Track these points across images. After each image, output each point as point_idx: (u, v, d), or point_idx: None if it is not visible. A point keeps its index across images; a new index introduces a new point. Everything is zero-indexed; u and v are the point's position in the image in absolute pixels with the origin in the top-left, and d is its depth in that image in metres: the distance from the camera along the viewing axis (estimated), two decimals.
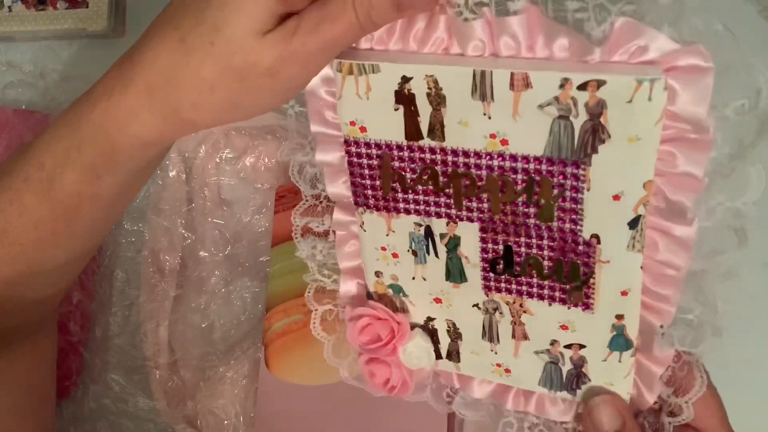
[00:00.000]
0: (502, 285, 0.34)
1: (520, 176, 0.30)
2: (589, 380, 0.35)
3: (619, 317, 0.32)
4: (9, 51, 0.57)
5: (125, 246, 0.53)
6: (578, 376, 0.36)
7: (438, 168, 0.31)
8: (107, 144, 0.33)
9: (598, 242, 0.30)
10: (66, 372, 0.51)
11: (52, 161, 0.35)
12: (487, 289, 0.34)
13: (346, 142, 0.33)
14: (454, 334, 0.37)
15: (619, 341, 0.33)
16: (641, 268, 0.30)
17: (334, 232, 0.37)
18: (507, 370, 0.37)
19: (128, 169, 0.35)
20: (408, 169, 0.32)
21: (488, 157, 0.30)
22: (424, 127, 0.31)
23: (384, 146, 0.32)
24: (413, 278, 0.36)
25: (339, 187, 0.35)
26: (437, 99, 0.30)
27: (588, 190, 0.29)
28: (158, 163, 0.38)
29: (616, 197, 0.29)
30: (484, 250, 0.33)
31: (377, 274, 0.37)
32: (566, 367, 0.35)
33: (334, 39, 0.29)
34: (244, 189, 0.52)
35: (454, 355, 0.38)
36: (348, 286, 0.38)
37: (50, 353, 0.45)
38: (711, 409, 0.35)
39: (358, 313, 0.38)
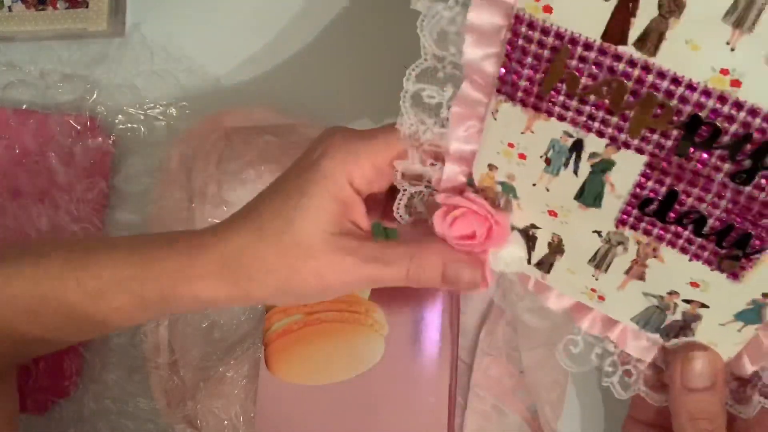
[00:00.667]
0: (642, 224, 0.29)
1: (734, 128, 0.25)
2: (693, 335, 0.32)
3: (766, 296, 0.29)
4: (9, 51, 0.57)
5: None
6: (683, 329, 0.33)
7: (629, 84, 0.26)
8: (169, 291, 0.36)
9: None
10: (66, 372, 0.50)
11: (110, 279, 0.37)
12: (622, 223, 0.30)
13: (518, 18, 0.26)
14: (557, 248, 0.33)
15: (751, 315, 0.30)
16: None
17: (449, 108, 0.31)
18: (601, 297, 0.34)
19: (168, 313, 0.39)
20: (587, 74, 0.26)
21: (705, 94, 0.25)
22: (635, 32, 0.25)
23: (568, 39, 0.26)
24: (534, 184, 0.31)
25: (481, 59, 0.29)
26: (673, 5, 0.24)
27: None
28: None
29: None
30: (640, 186, 0.28)
31: (491, 167, 0.32)
32: (674, 317, 0.32)
33: (378, 278, 0.35)
34: (245, 189, 0.52)
35: (545, 265, 0.34)
36: (451, 172, 0.33)
37: (6, 408, 0.44)
38: None
39: (454, 201, 0.33)
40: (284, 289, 0.35)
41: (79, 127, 0.53)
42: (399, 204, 0.36)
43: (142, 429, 0.51)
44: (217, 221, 0.53)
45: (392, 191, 0.36)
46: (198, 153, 0.52)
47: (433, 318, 0.47)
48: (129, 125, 0.54)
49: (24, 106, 0.55)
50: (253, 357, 0.49)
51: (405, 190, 0.35)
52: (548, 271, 0.35)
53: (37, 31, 0.56)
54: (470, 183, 0.34)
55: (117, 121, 0.54)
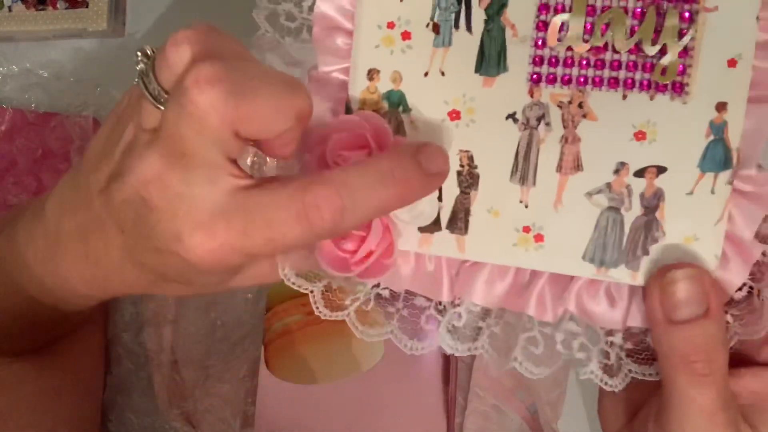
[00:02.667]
0: (559, 70, 0.26)
1: None
2: (664, 235, 0.26)
3: (721, 107, 0.25)
4: (9, 51, 0.57)
5: None
6: (648, 229, 0.27)
7: None
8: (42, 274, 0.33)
9: None
10: None
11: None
12: (535, 81, 0.26)
13: None
14: (469, 176, 0.27)
15: (716, 152, 0.25)
16: (757, 18, 0.23)
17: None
18: (538, 237, 0.27)
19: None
20: None
21: None
22: None
23: None
24: (426, 73, 0.27)
25: None
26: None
27: None
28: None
29: None
30: (543, 8, 0.25)
31: (371, 74, 0.27)
32: (632, 213, 0.27)
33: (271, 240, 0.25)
34: None
35: (459, 220, 0.28)
36: (317, 111, 0.27)
37: (94, 344, 0.46)
38: None
39: (328, 131, 0.27)
40: (154, 282, 0.30)
41: (87, 129, 0.54)
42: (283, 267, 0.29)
43: (143, 424, 0.51)
44: None
45: None
46: None
47: (433, 317, 0.47)
48: None
49: (33, 106, 0.55)
50: (253, 356, 0.49)
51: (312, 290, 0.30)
52: (466, 230, 0.28)
53: (37, 31, 0.55)
54: (348, 113, 0.28)
55: None
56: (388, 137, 0.26)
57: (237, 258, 0.26)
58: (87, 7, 0.55)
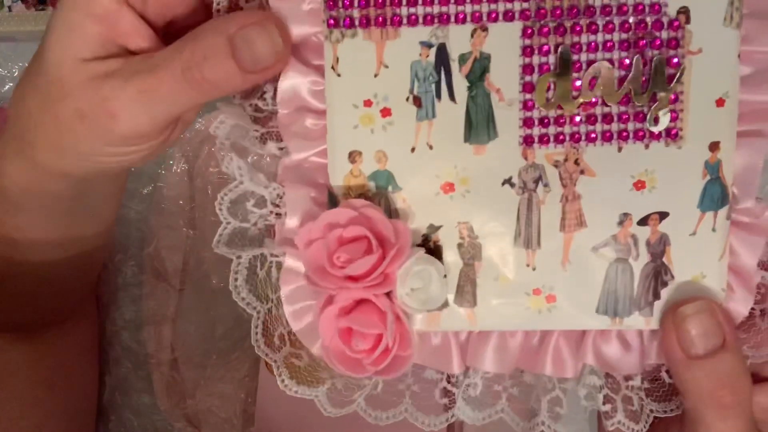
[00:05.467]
0: (551, 130, 0.25)
1: None
2: (673, 277, 0.27)
3: (714, 146, 0.25)
4: (9, 51, 0.57)
5: (129, 244, 0.53)
6: (657, 274, 0.27)
7: None
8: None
9: (687, 21, 0.23)
10: None
11: None
12: (528, 143, 0.25)
13: None
14: (471, 247, 0.27)
15: (714, 191, 0.25)
16: (738, 56, 0.24)
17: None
18: (550, 297, 0.27)
19: (33, 212, 0.34)
20: None
21: None
22: None
23: None
24: (413, 149, 0.25)
25: None
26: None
27: None
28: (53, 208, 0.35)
29: None
30: (527, 69, 0.24)
31: (352, 157, 0.26)
32: (640, 262, 0.27)
33: (150, 92, 0.26)
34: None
35: (467, 293, 0.27)
36: (296, 198, 0.26)
37: (85, 338, 0.46)
38: None
39: (320, 225, 0.25)
40: (61, 146, 0.28)
41: None
42: (236, 286, 0.27)
43: (144, 424, 0.51)
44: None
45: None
46: (198, 153, 0.52)
47: None
48: None
49: None
50: (253, 356, 0.49)
51: (238, 257, 0.27)
52: (474, 302, 0.27)
53: (37, 31, 0.55)
54: (332, 201, 0.27)
55: None
56: (389, 229, 0.25)
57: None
58: None
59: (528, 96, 0.25)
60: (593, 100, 0.25)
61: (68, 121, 0.27)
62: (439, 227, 0.27)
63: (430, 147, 0.25)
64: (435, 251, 0.27)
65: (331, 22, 0.25)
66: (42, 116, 0.28)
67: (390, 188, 0.26)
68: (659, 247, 0.27)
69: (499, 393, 0.29)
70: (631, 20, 0.24)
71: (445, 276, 0.26)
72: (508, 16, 0.24)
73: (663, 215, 0.26)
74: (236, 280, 0.28)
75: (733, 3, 0.23)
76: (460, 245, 0.27)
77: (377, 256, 0.25)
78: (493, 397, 0.29)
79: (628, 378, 0.28)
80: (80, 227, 0.37)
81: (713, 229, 0.26)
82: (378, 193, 0.26)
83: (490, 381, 0.29)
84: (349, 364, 0.27)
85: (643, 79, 0.24)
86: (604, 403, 0.29)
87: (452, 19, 0.24)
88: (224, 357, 0.50)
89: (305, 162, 0.26)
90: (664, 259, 0.27)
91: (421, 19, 0.24)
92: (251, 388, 0.49)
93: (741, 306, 0.27)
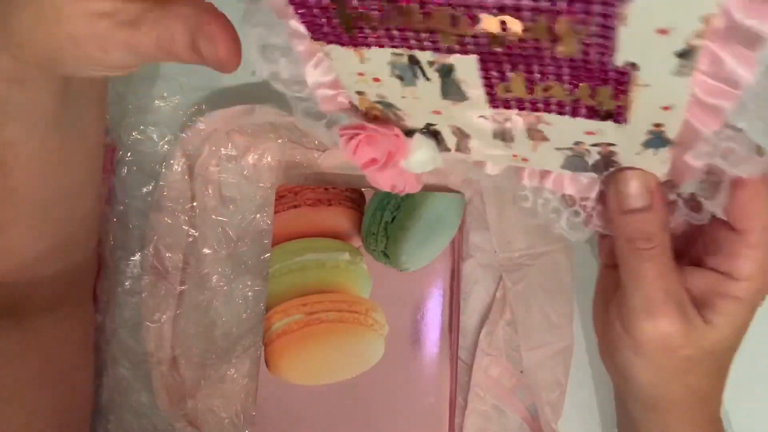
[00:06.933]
0: (512, 102, 0.29)
1: (527, 14, 0.24)
2: (620, 164, 0.32)
3: (658, 125, 0.28)
4: None
5: (129, 243, 0.53)
6: (607, 163, 0.32)
7: (414, 6, 0.25)
8: None
9: (635, 69, 0.25)
10: None
11: None
12: (495, 106, 0.30)
13: None
14: (461, 134, 0.33)
15: (656, 142, 0.29)
16: (689, 87, 0.26)
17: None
18: (525, 159, 0.34)
19: (22, 114, 0.36)
20: (371, 8, 0.26)
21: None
22: None
23: None
24: (403, 97, 0.31)
25: (285, 6, 0.29)
26: None
27: (625, 25, 0.23)
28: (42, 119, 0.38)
29: (663, 31, 0.23)
30: (486, 78, 0.28)
31: (359, 93, 0.32)
32: (593, 158, 0.32)
33: (133, 45, 0.30)
34: (247, 187, 0.52)
35: (463, 148, 0.34)
36: (326, 96, 0.33)
37: (78, 334, 0.46)
38: (759, 203, 0.32)
39: (348, 132, 0.34)
40: (47, 56, 0.32)
41: None
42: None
43: (142, 424, 0.51)
44: (220, 219, 0.54)
45: None
46: (199, 152, 0.52)
47: (433, 318, 0.47)
48: (130, 125, 0.54)
49: None
50: (253, 356, 0.49)
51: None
52: (469, 152, 0.35)
53: None
54: (355, 106, 0.33)
55: (118, 121, 0.54)
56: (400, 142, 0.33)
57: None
58: None
59: (489, 90, 0.29)
60: (545, 99, 0.28)
61: (61, 41, 0.31)
62: (435, 124, 0.33)
63: (416, 98, 0.31)
64: (435, 134, 0.34)
65: (312, 37, 0.29)
66: (36, 28, 0.31)
67: (392, 108, 0.32)
68: (609, 156, 0.32)
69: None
70: (579, 67, 0.26)
71: (440, 146, 0.34)
72: (464, 52, 0.26)
73: (611, 145, 0.31)
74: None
75: (684, 65, 0.24)
76: (453, 133, 0.33)
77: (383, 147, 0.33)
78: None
79: (584, 199, 0.35)
80: (68, 151, 0.40)
81: (654, 154, 0.30)
82: (385, 109, 0.33)
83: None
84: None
85: (591, 93, 0.27)
86: (552, 212, 0.36)
87: (414, 48, 0.27)
88: (224, 357, 0.50)
89: (324, 81, 0.32)
90: (614, 158, 0.32)
91: (387, 46, 0.27)
92: (251, 388, 0.49)
93: (679, 179, 0.32)
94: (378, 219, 0.48)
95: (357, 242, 0.48)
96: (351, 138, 0.33)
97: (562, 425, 0.47)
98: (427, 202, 0.48)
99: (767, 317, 0.48)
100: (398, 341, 0.47)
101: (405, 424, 0.46)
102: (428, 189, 0.49)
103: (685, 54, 0.24)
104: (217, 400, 0.49)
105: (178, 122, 0.54)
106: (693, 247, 0.35)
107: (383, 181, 0.35)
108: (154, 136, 0.54)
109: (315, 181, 0.51)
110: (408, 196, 0.48)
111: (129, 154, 0.53)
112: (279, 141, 0.51)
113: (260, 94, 0.51)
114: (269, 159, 0.52)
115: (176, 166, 0.51)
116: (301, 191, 0.49)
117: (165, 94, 0.54)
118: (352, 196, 0.49)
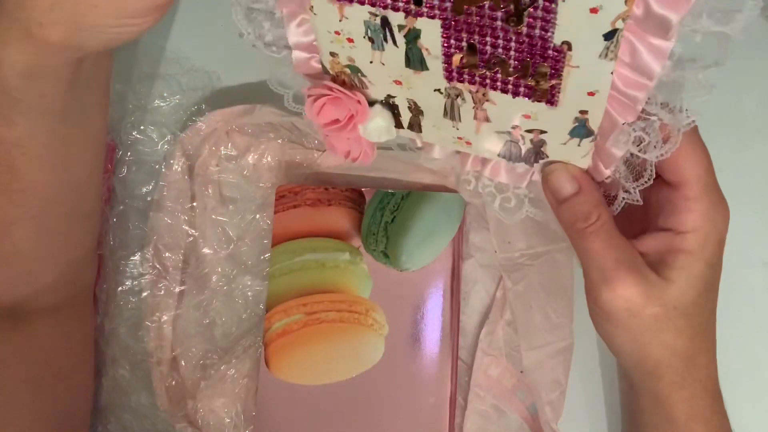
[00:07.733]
0: (465, 76, 0.34)
1: None
2: (548, 157, 0.37)
3: (583, 112, 0.33)
4: None
5: (129, 243, 0.53)
6: (537, 153, 0.37)
7: None
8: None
9: (569, 49, 0.29)
10: None
11: None
12: (450, 78, 0.34)
13: None
14: (416, 110, 0.38)
15: (581, 130, 0.34)
16: (612, 73, 0.30)
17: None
18: (468, 143, 0.39)
19: (33, 109, 0.36)
20: None
21: None
22: None
23: None
24: (371, 62, 0.35)
25: None
26: None
27: (563, 0, 0.28)
28: (65, 108, 0.39)
29: (594, 10, 0.27)
30: (446, 46, 0.32)
31: (332, 54, 0.36)
32: (526, 146, 0.37)
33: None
34: (247, 187, 0.52)
35: (416, 126, 0.39)
36: (301, 58, 0.37)
37: (77, 335, 0.46)
38: (694, 158, 0.34)
39: (316, 92, 0.37)
40: (76, 22, 0.33)
41: None
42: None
43: (143, 424, 0.51)
44: (220, 218, 0.54)
45: None
46: (199, 152, 0.52)
47: (433, 318, 0.47)
48: (130, 125, 0.54)
49: None
50: (253, 356, 0.49)
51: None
52: (420, 131, 0.39)
53: None
54: (325, 70, 0.37)
55: (118, 120, 0.54)
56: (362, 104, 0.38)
57: None
58: None
59: (447, 58, 0.33)
60: (494, 72, 0.33)
61: (81, 8, 0.32)
62: (395, 96, 0.37)
63: (382, 63, 0.35)
64: (393, 107, 0.38)
65: None
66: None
67: (359, 74, 0.36)
68: (539, 145, 0.36)
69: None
70: (524, 42, 0.30)
71: (401, 125, 0.39)
72: (432, 16, 0.31)
73: (542, 132, 0.35)
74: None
75: (609, 47, 0.28)
76: (409, 108, 0.38)
77: (346, 110, 0.38)
78: None
79: (516, 187, 0.41)
80: (73, 145, 0.41)
81: (578, 145, 0.34)
82: (353, 74, 0.37)
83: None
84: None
85: (531, 71, 0.31)
86: (488, 196, 0.42)
87: (389, 7, 0.31)
88: (224, 357, 0.50)
89: (303, 42, 0.36)
90: (543, 149, 0.37)
91: (366, 2, 0.31)
92: (251, 388, 0.49)
93: (600, 174, 0.36)
94: (378, 219, 0.48)
95: (357, 242, 0.48)
96: (317, 98, 0.37)
97: (562, 425, 0.47)
98: (427, 202, 0.48)
99: (767, 317, 0.48)
100: (398, 341, 0.47)
101: (405, 424, 0.46)
102: (428, 189, 0.49)
103: (610, 35, 0.28)
104: (218, 400, 0.49)
105: (178, 122, 0.54)
106: (645, 216, 0.37)
107: (340, 145, 0.39)
108: (154, 136, 0.54)
109: (315, 181, 0.51)
110: (408, 196, 0.48)
111: (129, 153, 0.53)
112: (279, 141, 0.51)
113: (260, 94, 0.51)
114: (269, 159, 0.52)
115: (176, 166, 0.51)
116: (301, 191, 0.49)
117: (165, 94, 0.54)
118: (352, 196, 0.49)
